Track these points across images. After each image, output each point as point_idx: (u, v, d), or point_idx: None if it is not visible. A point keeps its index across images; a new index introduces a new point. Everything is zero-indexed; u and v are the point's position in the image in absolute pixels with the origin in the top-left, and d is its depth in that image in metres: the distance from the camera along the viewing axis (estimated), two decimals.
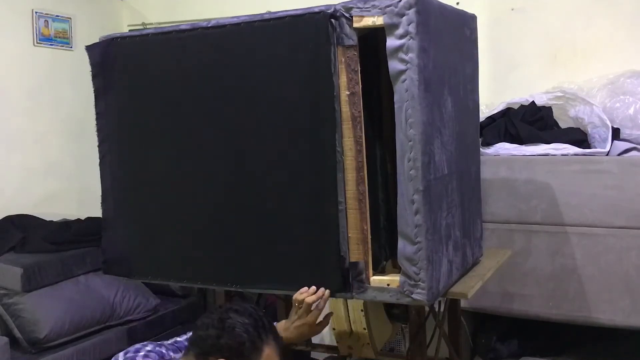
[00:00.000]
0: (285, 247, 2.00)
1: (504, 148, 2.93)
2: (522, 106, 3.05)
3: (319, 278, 1.94)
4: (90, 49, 2.27)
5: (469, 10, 2.29)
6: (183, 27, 2.09)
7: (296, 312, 1.87)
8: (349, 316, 2.52)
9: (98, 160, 2.33)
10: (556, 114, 3.04)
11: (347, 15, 1.83)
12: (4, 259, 3.16)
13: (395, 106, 1.81)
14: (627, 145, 2.76)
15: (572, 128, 2.97)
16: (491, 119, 3.07)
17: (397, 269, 1.93)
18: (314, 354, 3.25)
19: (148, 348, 1.66)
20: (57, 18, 3.85)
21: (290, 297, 1.84)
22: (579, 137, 2.88)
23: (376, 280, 1.91)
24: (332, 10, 1.84)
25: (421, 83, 1.78)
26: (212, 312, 1.55)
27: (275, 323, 1.85)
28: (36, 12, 3.72)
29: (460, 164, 2.12)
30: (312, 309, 1.86)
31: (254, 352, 1.49)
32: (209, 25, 2.05)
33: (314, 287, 1.88)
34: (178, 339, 1.81)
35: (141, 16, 4.28)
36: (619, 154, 2.72)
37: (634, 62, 3.04)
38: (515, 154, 2.89)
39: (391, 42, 1.79)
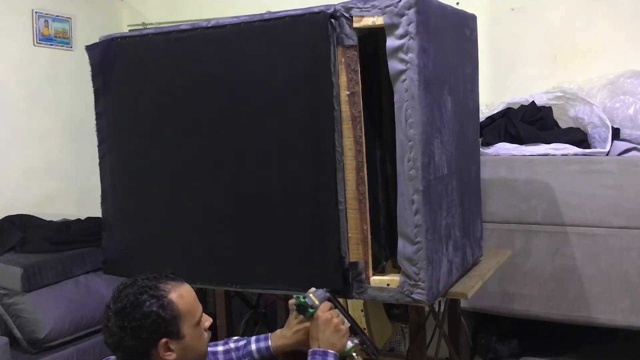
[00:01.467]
0: (285, 247, 2.00)
1: (504, 148, 2.93)
2: (522, 106, 3.05)
3: (319, 278, 1.94)
4: (90, 49, 2.27)
5: (469, 10, 2.29)
6: (183, 27, 2.09)
7: (295, 317, 1.81)
8: None
9: (98, 160, 2.33)
10: (556, 114, 3.04)
11: (347, 15, 1.83)
12: (4, 259, 3.16)
13: (395, 106, 1.80)
14: (627, 145, 2.76)
15: (572, 128, 2.97)
16: (491, 119, 3.06)
17: (397, 269, 1.93)
18: None
19: None
20: (57, 18, 3.85)
21: (290, 297, 1.83)
22: (579, 137, 2.88)
23: (376, 280, 1.91)
24: (332, 10, 1.84)
25: (421, 83, 1.78)
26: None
27: (269, 334, 1.83)
28: (36, 12, 3.72)
29: (460, 164, 2.12)
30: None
31: (161, 311, 1.45)
32: (209, 25, 2.04)
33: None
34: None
35: (141, 16, 4.28)
36: (619, 154, 2.72)
37: (634, 62, 3.04)
38: (515, 154, 2.89)
39: (391, 42, 1.78)
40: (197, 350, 1.54)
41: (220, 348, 1.79)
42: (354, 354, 1.69)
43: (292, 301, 1.79)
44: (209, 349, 1.74)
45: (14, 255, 3.22)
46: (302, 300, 1.71)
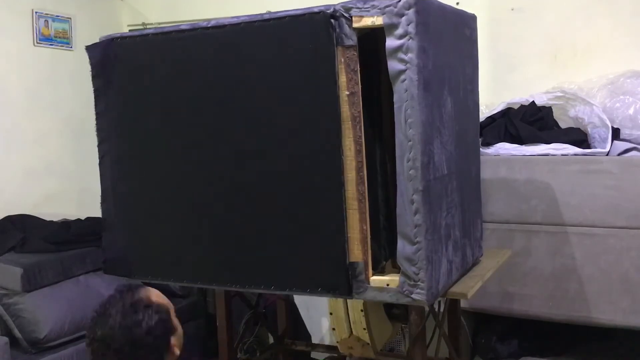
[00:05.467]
0: (285, 247, 2.00)
1: (504, 148, 2.93)
2: (522, 106, 3.05)
3: (319, 278, 1.94)
4: (90, 49, 2.27)
5: (469, 10, 2.29)
6: (183, 27, 2.10)
7: None
8: (348, 316, 2.52)
9: (98, 160, 2.33)
10: (556, 114, 3.04)
11: (346, 15, 1.83)
12: (4, 259, 3.16)
13: (395, 106, 1.80)
14: (627, 145, 2.76)
15: (572, 128, 2.97)
16: (491, 119, 3.06)
17: (397, 269, 1.93)
18: (314, 354, 3.25)
19: None
20: (57, 18, 3.85)
21: (290, 297, 1.83)
22: (579, 137, 2.87)
23: (376, 280, 1.91)
24: (331, 10, 1.84)
25: (421, 83, 1.78)
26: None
27: None
28: (36, 12, 3.72)
29: (460, 164, 2.12)
30: None
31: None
32: (209, 25, 2.05)
33: None
34: None
35: (141, 16, 4.28)
36: (619, 154, 2.72)
37: (634, 62, 3.04)
38: (515, 154, 2.89)
39: (390, 42, 1.79)
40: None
41: None
42: None
43: None
44: None
45: (14, 255, 3.22)
46: None
